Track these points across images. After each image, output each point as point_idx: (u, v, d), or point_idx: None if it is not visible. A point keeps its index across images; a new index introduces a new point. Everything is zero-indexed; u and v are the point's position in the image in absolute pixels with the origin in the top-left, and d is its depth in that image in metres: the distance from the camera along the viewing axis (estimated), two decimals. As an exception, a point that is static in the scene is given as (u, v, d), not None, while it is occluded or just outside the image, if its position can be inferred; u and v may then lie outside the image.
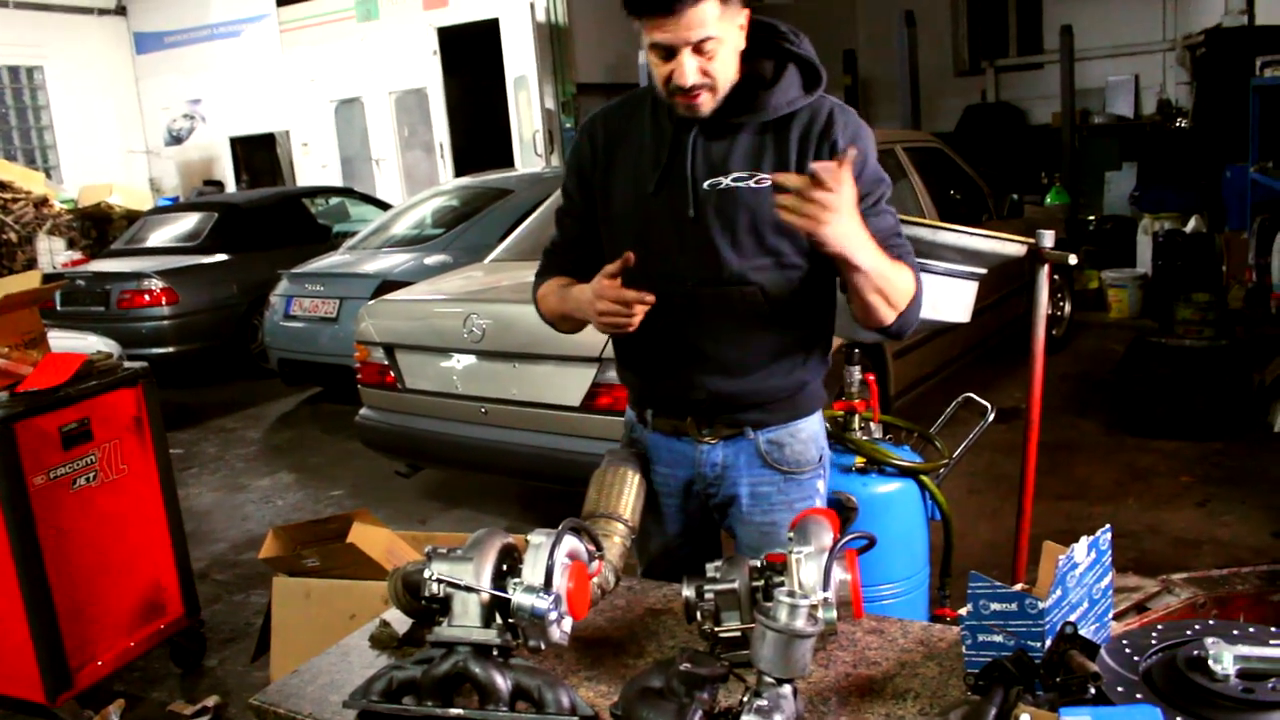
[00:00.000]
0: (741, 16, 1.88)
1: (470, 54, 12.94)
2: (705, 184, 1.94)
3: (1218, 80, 9.68)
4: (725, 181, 1.93)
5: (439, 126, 13.42)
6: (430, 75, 13.26)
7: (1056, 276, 7.43)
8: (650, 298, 1.88)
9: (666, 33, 1.81)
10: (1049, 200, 10.13)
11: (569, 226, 2.20)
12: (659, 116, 2.00)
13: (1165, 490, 4.77)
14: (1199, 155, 9.42)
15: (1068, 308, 7.75)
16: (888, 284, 1.87)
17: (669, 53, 1.83)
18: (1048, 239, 2.78)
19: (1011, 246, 2.73)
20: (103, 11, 16.08)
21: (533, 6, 11.92)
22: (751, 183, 1.92)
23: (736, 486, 2.11)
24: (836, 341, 2.28)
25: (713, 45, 1.82)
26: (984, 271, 2.76)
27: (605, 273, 1.91)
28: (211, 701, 3.43)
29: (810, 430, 2.13)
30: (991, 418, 3.02)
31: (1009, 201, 6.64)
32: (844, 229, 1.72)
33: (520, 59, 12.22)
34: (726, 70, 1.88)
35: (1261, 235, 7.05)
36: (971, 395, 3.11)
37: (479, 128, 13.32)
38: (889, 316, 1.92)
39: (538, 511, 4.98)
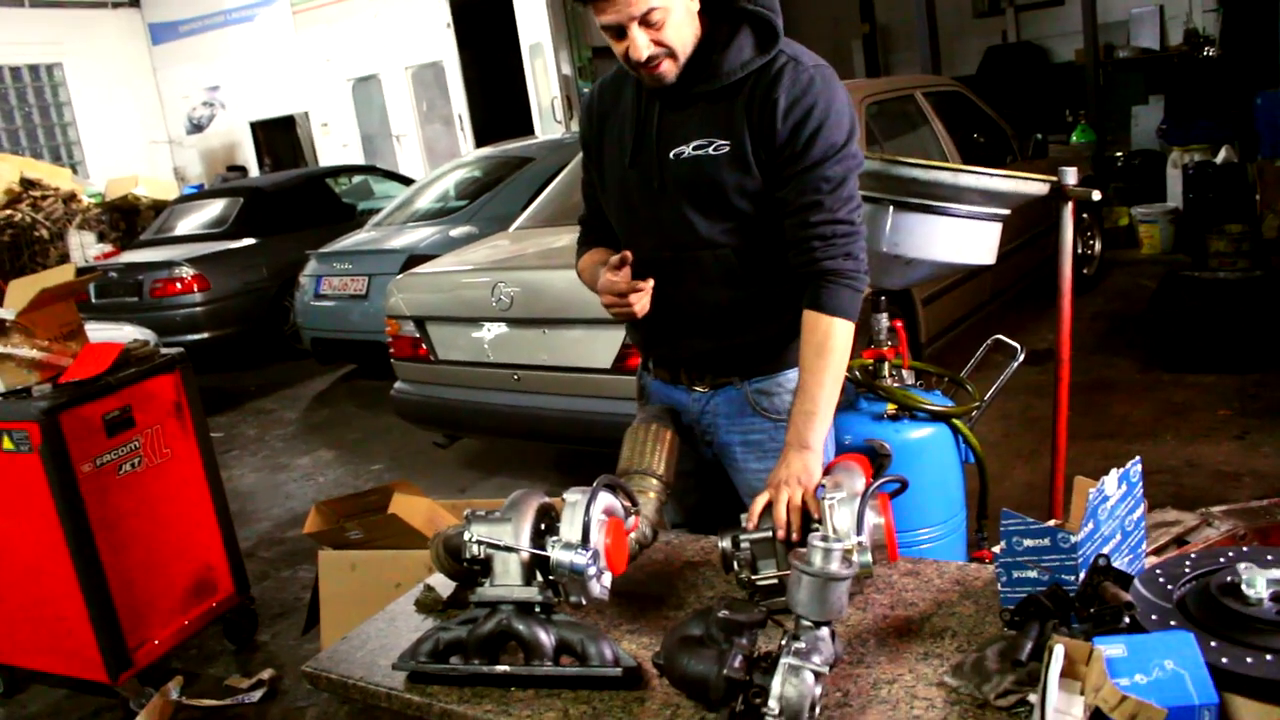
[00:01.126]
0: None
1: (484, 24, 12.89)
2: (670, 154, 1.98)
3: (1245, 5, 9.47)
4: (687, 151, 1.96)
5: (457, 99, 13.42)
6: (445, 48, 13.24)
7: (1085, 215, 7.34)
8: (646, 285, 1.93)
9: (611, 14, 1.83)
10: (1074, 139, 9.99)
11: (590, 198, 2.28)
12: (637, 90, 2.04)
13: (1203, 424, 4.74)
14: (1229, 84, 9.24)
15: (1098, 246, 7.66)
16: (834, 390, 1.90)
17: (619, 31, 1.86)
18: (1070, 176, 2.76)
19: (1033, 185, 2.71)
20: (116, 4, 16.17)
21: (544, -28, 11.86)
22: (710, 150, 1.94)
23: (729, 434, 2.16)
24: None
25: (659, 15, 1.83)
26: (1007, 212, 2.75)
27: (609, 264, 1.98)
28: (267, 674, 3.50)
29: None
30: (1021, 358, 3.01)
31: (1033, 142, 6.56)
32: (801, 470, 1.80)
33: (534, 26, 12.16)
34: (681, 34, 1.88)
35: (1295, 161, 6.93)
36: (1001, 337, 3.10)
37: (497, 98, 13.30)
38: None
39: (576, 475, 4.97)
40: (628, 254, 1.95)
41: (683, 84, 1.94)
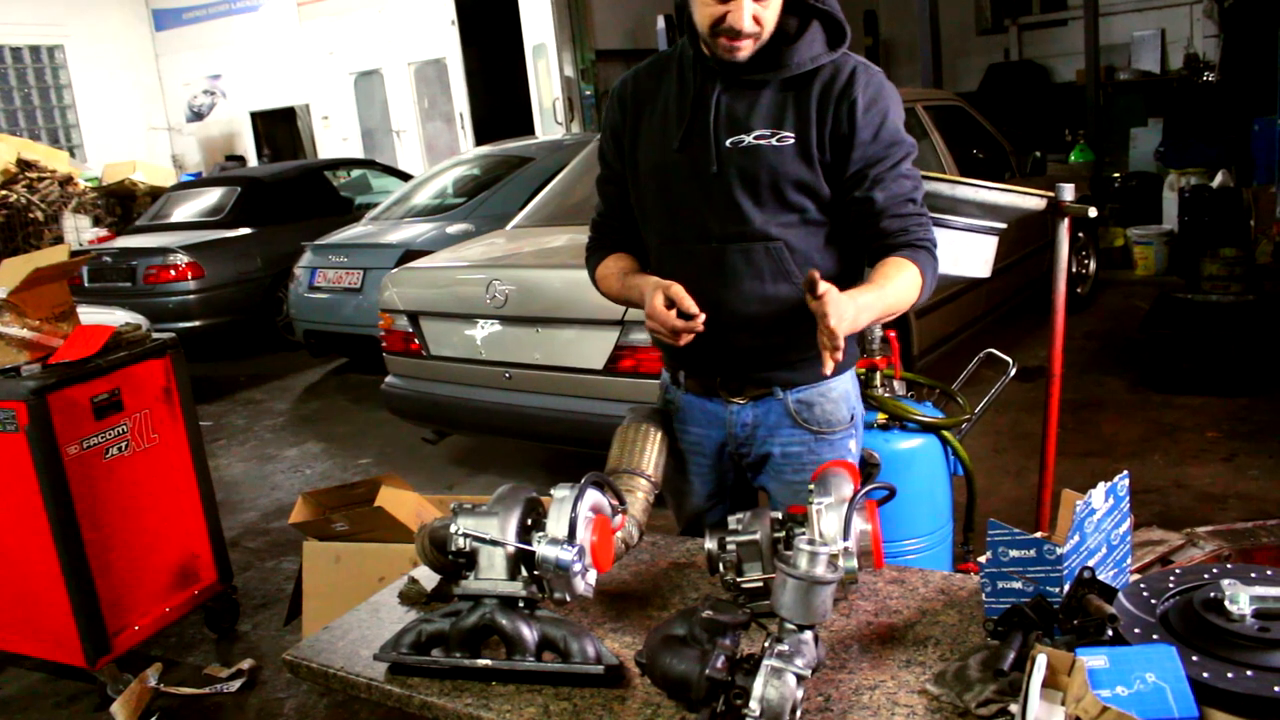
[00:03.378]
0: None
1: (488, 23, 12.89)
2: (728, 142, 1.94)
3: (1246, 32, 9.52)
4: (747, 139, 1.93)
5: (459, 96, 13.41)
6: (449, 45, 13.22)
7: (1081, 234, 7.38)
8: (699, 325, 1.87)
9: None
10: (1073, 158, 10.03)
11: (610, 194, 2.21)
12: (684, 74, 2.01)
13: (1191, 446, 4.75)
14: (1226, 109, 9.29)
15: (1093, 265, 7.70)
16: (897, 304, 1.87)
17: None
18: (1067, 192, 2.77)
19: (1030, 200, 2.72)
20: (120, -12, 16.13)
21: (550, -27, 11.87)
22: (774, 140, 1.92)
23: (767, 446, 2.11)
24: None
25: None
26: (1003, 226, 2.75)
27: (664, 294, 1.89)
28: (246, 664, 3.49)
29: (841, 389, 2.11)
30: (1013, 373, 3.02)
31: (1031, 159, 6.59)
32: (846, 322, 1.70)
33: (539, 27, 12.16)
34: (772, 21, 1.88)
35: (1290, 188, 6.97)
36: (993, 351, 3.11)
37: (498, 97, 13.30)
38: (907, 310, 1.95)
39: (564, 475, 4.95)
40: (693, 309, 1.87)
41: (746, 70, 1.92)
